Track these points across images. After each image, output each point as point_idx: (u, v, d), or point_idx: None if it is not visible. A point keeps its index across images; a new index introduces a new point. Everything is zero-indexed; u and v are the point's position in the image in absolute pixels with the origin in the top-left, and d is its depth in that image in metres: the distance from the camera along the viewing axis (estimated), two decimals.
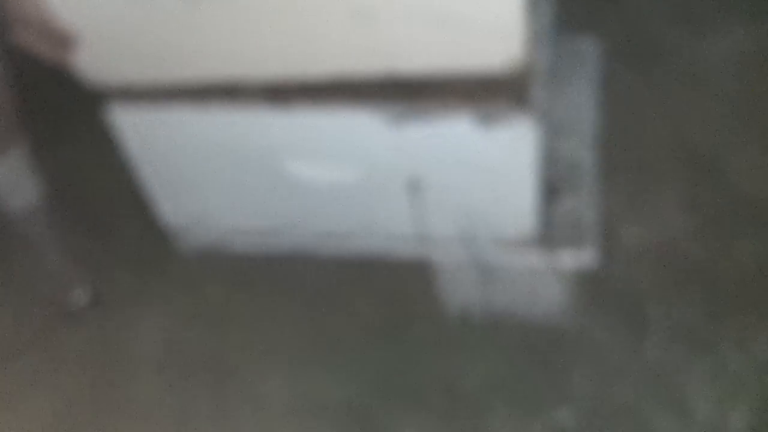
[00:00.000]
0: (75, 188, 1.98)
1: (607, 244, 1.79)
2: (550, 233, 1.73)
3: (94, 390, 1.84)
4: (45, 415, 1.80)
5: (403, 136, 1.57)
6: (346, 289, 1.85)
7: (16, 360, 1.88)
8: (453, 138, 1.55)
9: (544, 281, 1.74)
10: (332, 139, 1.62)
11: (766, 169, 1.96)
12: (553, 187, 1.77)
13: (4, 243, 1.92)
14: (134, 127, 1.65)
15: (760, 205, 1.91)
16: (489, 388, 1.74)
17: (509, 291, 1.77)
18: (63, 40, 1.48)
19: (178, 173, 1.73)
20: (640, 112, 2.04)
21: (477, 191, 1.63)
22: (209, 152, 1.68)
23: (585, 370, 1.74)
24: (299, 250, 1.81)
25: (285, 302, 1.86)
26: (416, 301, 1.81)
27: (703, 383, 1.71)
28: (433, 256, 1.74)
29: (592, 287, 1.80)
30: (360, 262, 1.79)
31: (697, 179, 1.96)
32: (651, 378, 1.73)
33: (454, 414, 1.73)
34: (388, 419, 1.74)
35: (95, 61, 1.54)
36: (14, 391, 1.84)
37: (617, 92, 1.99)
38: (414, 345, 1.81)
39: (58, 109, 2.04)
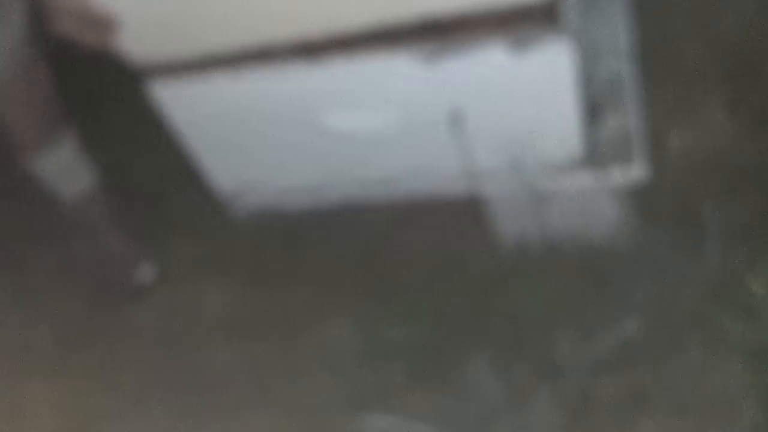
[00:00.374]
0: (126, 168, 2.02)
1: (655, 157, 1.78)
2: (597, 152, 1.73)
3: (170, 361, 1.89)
4: (129, 390, 1.86)
5: (439, 73, 1.57)
6: (400, 233, 1.87)
7: (94, 343, 1.94)
8: (490, 69, 1.56)
9: (597, 201, 1.74)
10: (369, 86, 1.64)
11: None
12: (595, 105, 1.76)
13: (65, 229, 1.97)
14: (177, 101, 1.69)
15: None
16: (552, 313, 1.76)
17: (562, 215, 1.77)
18: (104, 25, 1.52)
19: (223, 141, 1.76)
20: (674, 21, 2.01)
21: (519, 119, 1.63)
22: (251, 117, 1.71)
23: (647, 284, 1.74)
24: (349, 201, 1.83)
25: (341, 254, 1.89)
26: (470, 236, 1.83)
27: (765, 283, 1.71)
28: (482, 190, 1.75)
29: (646, 201, 1.79)
30: (410, 205, 1.81)
31: (739, 81, 1.93)
32: (714, 283, 1.73)
33: (520, 342, 1.75)
34: (456, 355, 1.76)
35: (136, 41, 1.57)
36: (94, 372, 1.90)
37: (649, 4, 1.96)
38: (473, 280, 1.82)
39: (102, 93, 2.08)
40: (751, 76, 1.91)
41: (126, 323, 1.94)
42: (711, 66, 1.96)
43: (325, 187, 1.82)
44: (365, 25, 1.54)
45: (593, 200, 1.75)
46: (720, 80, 1.94)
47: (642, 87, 1.81)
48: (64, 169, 1.82)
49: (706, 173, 1.84)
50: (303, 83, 1.64)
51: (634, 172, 1.72)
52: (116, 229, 1.96)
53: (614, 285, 1.76)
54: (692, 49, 2.00)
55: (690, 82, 1.96)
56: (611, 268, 1.77)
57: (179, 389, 1.85)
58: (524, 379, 1.71)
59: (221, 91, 1.67)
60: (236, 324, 1.90)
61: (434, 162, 1.72)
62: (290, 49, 1.60)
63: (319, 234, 1.91)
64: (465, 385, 1.73)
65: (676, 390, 1.65)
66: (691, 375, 1.66)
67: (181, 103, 1.70)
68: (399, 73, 1.59)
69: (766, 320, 1.67)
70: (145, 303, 1.95)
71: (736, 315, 1.69)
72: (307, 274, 1.90)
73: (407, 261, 1.85)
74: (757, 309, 1.69)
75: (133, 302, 1.96)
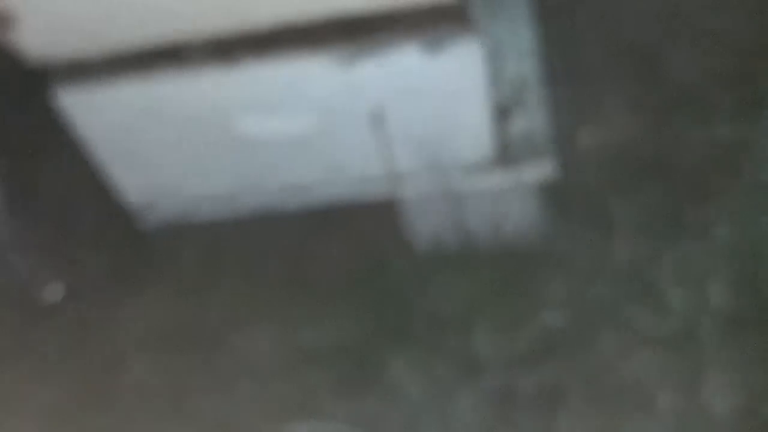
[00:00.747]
0: (28, 177, 1.95)
1: (563, 154, 1.82)
2: (508, 151, 1.76)
3: (85, 379, 1.84)
4: (41, 412, 1.79)
5: (353, 75, 1.58)
6: (318, 238, 1.87)
7: (1, 364, 1.87)
8: (404, 70, 1.57)
9: (510, 199, 1.78)
10: (283, 90, 1.63)
11: (703, 59, 2.00)
12: (504, 105, 1.79)
13: None
14: (82, 105, 1.64)
15: (702, 95, 1.96)
16: (472, 310, 1.78)
17: (477, 214, 1.80)
18: (1, 20, 1.45)
19: (132, 148, 1.72)
20: (577, 21, 2.06)
21: (433, 120, 1.65)
22: (161, 122, 1.68)
23: (561, 278, 1.79)
24: (266, 209, 1.82)
25: (260, 262, 1.88)
26: (388, 238, 1.84)
27: (674, 273, 1.77)
28: (399, 191, 1.76)
29: (556, 198, 1.83)
30: (328, 210, 1.80)
31: (640, 78, 2.00)
32: (624, 276, 1.78)
33: (441, 341, 1.77)
34: (379, 357, 1.77)
35: (35, 37, 1.50)
36: (5, 394, 1.83)
37: (552, 4, 2.01)
38: (393, 282, 1.84)
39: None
40: (652, 75, 1.98)
41: (34, 344, 1.88)
42: (612, 64, 2.02)
43: (241, 195, 1.80)
44: (279, 22, 1.52)
45: (506, 198, 1.78)
46: (621, 78, 2.01)
47: (547, 86, 1.85)
48: None
49: (612, 169, 1.89)
50: (216, 86, 1.62)
51: (544, 169, 1.76)
52: (21, 247, 1.89)
53: (529, 281, 1.80)
54: (594, 48, 2.05)
55: (593, 80, 2.01)
56: (526, 264, 1.81)
57: (94, 409, 1.80)
58: (446, 378, 1.73)
59: (129, 94, 1.63)
60: (152, 338, 1.86)
61: (351, 166, 1.72)
62: (202, 48, 1.57)
63: (236, 242, 1.89)
64: (388, 387, 1.74)
65: (593, 382, 1.70)
66: (606, 366, 1.70)
67: (86, 108, 1.64)
68: (313, 76, 1.59)
69: (674, 310, 1.74)
70: (54, 321, 1.89)
71: (646, 306, 1.75)
72: (225, 284, 1.88)
73: (326, 266, 1.85)
74: (664, 299, 1.75)
75: (41, 322, 1.90)
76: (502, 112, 1.78)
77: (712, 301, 1.72)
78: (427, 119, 1.64)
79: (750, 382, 1.64)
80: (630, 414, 1.65)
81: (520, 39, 1.89)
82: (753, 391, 1.63)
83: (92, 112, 1.65)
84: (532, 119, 1.80)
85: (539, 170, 1.76)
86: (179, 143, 1.70)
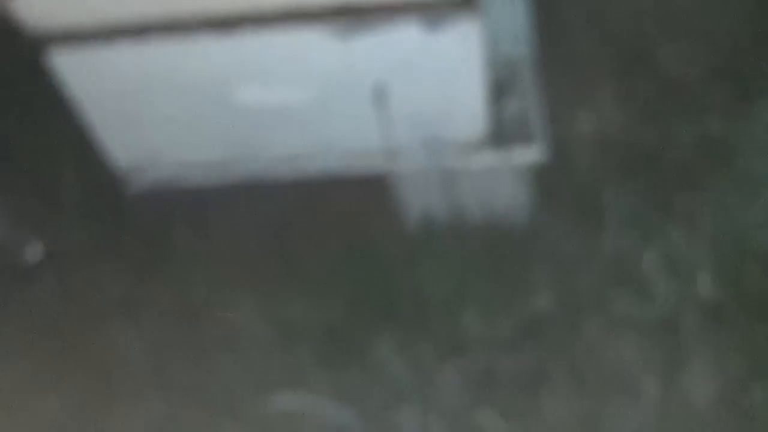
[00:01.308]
0: (15, 141, 1.92)
1: (555, 139, 1.83)
2: (501, 133, 1.76)
3: (64, 346, 1.81)
4: (19, 374, 1.77)
5: (351, 50, 1.57)
6: (307, 211, 1.86)
7: None
8: (403, 47, 1.56)
9: (501, 181, 1.78)
10: (279, 61, 1.61)
11: (691, 52, 2.02)
12: (498, 87, 1.80)
13: None
14: (75, 71, 1.61)
15: (690, 88, 1.98)
16: (458, 291, 1.79)
17: (468, 194, 1.80)
18: None
19: (125, 113, 1.70)
20: (569, 8, 2.07)
21: (429, 98, 1.64)
22: (154, 89, 1.65)
23: (549, 263, 1.80)
24: (257, 178, 1.80)
25: (248, 233, 1.86)
26: (378, 215, 1.83)
27: (660, 261, 1.79)
28: (390, 168, 1.76)
29: (547, 182, 1.84)
30: (318, 183, 1.79)
31: (631, 69, 2.01)
32: (610, 263, 1.80)
33: (427, 321, 1.77)
34: (363, 334, 1.77)
35: (33, 5, 1.48)
36: None
37: None
38: (379, 260, 1.83)
39: None
40: (643, 66, 2.00)
41: (15, 306, 1.85)
42: (606, 56, 2.03)
43: (231, 163, 1.78)
44: (279, 2, 1.51)
45: (497, 180, 1.78)
46: (612, 69, 2.02)
47: (541, 72, 1.86)
48: None
49: (602, 157, 1.91)
50: (212, 55, 1.60)
51: (534, 153, 1.76)
52: (3, 208, 1.86)
53: (517, 264, 1.81)
54: (587, 38, 2.07)
55: (585, 70, 2.03)
56: (514, 248, 1.82)
57: (74, 375, 1.78)
58: (430, 358, 1.74)
59: (124, 61, 1.60)
60: (135, 305, 1.84)
61: (345, 140, 1.71)
62: (200, 21, 1.55)
63: (223, 211, 1.87)
64: (372, 365, 1.74)
65: (577, 366, 1.71)
66: (591, 352, 1.72)
67: (79, 73, 1.61)
68: (311, 48, 1.58)
69: (659, 298, 1.76)
70: (35, 285, 1.86)
71: (631, 293, 1.77)
72: (210, 253, 1.86)
73: (314, 240, 1.84)
74: (650, 287, 1.77)
75: (21, 284, 1.87)
76: (496, 94, 1.79)
77: (696, 291, 1.74)
78: (423, 97, 1.64)
79: (731, 370, 1.66)
80: (612, 398, 1.67)
81: (516, 23, 1.90)
82: (733, 379, 1.65)
83: (86, 77, 1.62)
84: (525, 103, 1.81)
85: (530, 153, 1.76)
86: (172, 110, 1.68)
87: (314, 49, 1.57)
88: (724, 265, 1.76)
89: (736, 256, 1.76)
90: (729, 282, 1.73)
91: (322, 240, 1.84)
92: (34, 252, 1.88)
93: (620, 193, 1.86)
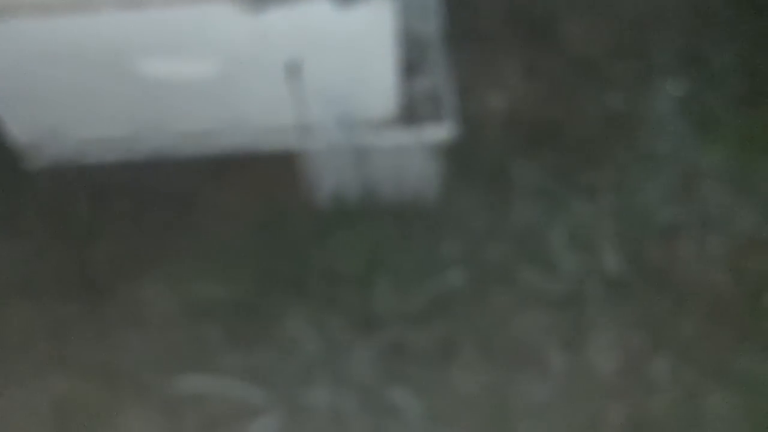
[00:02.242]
0: None
1: (463, 116, 1.84)
2: (410, 109, 1.76)
3: None
4: None
5: (261, 24, 1.54)
6: (216, 188, 1.83)
7: None
8: (314, 22, 1.54)
9: (412, 157, 1.78)
10: (185, 34, 1.56)
11: (596, 30, 2.06)
12: (409, 64, 1.79)
13: None
14: None
15: (595, 64, 2.02)
16: (369, 266, 1.79)
17: (377, 170, 1.80)
18: None
19: (25, 88, 1.62)
20: None
21: (340, 74, 1.63)
22: (56, 62, 1.58)
23: (458, 238, 1.81)
24: (161, 154, 1.75)
25: (154, 209, 1.82)
26: (288, 191, 1.81)
27: (565, 236, 1.83)
28: (300, 145, 1.74)
29: (454, 157, 1.85)
30: (227, 159, 1.76)
31: (537, 45, 2.04)
32: (518, 237, 1.83)
33: (338, 297, 1.77)
34: (273, 311, 1.76)
35: None
36: None
37: None
38: (290, 236, 1.82)
39: None
40: (548, 43, 2.03)
41: None
42: (511, 32, 2.05)
43: (135, 139, 1.73)
44: None
45: (408, 157, 1.78)
46: (518, 45, 2.04)
47: (448, 48, 1.86)
48: None
49: (509, 132, 1.93)
50: (115, 28, 1.54)
51: (445, 130, 1.77)
52: None
53: (427, 239, 1.82)
54: (492, 13, 2.08)
55: (491, 45, 2.05)
56: (424, 222, 1.83)
57: None
58: (341, 334, 1.74)
59: (23, 35, 1.53)
60: (34, 284, 1.78)
61: (254, 115, 1.68)
62: None
63: (127, 188, 1.82)
64: (282, 341, 1.73)
65: (485, 339, 1.74)
66: (499, 325, 1.75)
67: None
68: (219, 21, 1.54)
69: (565, 272, 1.79)
70: None
71: (537, 267, 1.80)
72: (113, 230, 1.81)
73: (222, 216, 1.81)
74: (554, 262, 1.81)
75: None
76: (407, 71, 1.78)
77: (600, 264, 1.79)
78: (335, 73, 1.62)
79: (634, 342, 1.71)
80: (519, 369, 1.70)
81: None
82: (635, 350, 1.71)
83: None
84: (436, 80, 1.81)
85: (441, 131, 1.77)
86: (73, 85, 1.62)
87: (222, 23, 1.53)
88: (627, 239, 1.81)
89: (639, 231, 1.81)
90: (632, 256, 1.78)
91: (231, 216, 1.81)
92: None
93: (527, 168, 1.89)
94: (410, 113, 1.76)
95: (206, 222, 1.81)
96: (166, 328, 1.74)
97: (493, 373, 1.70)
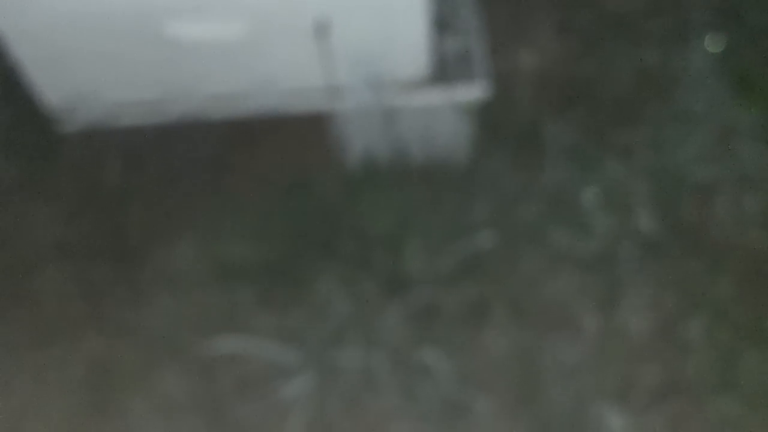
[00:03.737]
0: None
1: (494, 74, 1.82)
2: (442, 69, 1.74)
3: None
4: None
5: None
6: (245, 150, 1.83)
7: None
8: None
9: (442, 117, 1.77)
10: None
11: None
12: (439, 23, 1.77)
13: None
14: (4, 9, 1.54)
15: (628, 22, 1.98)
16: (400, 227, 1.78)
17: (407, 131, 1.78)
18: None
19: (56, 52, 1.63)
20: None
21: (370, 35, 1.61)
22: (86, 26, 1.59)
23: (489, 198, 1.80)
24: (192, 117, 1.75)
25: (184, 172, 1.82)
26: (318, 153, 1.81)
27: (597, 196, 1.80)
28: (330, 106, 1.73)
29: (485, 117, 1.83)
30: (256, 121, 1.75)
31: (569, 2, 2.01)
32: (550, 197, 1.81)
33: (369, 258, 1.76)
34: (304, 273, 1.76)
35: None
36: None
37: None
38: (320, 198, 1.81)
39: None
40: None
41: None
42: None
43: (165, 102, 1.73)
44: None
45: (438, 117, 1.77)
46: (551, 2, 2.01)
47: (480, 7, 1.83)
48: None
49: (541, 91, 1.91)
50: None
51: (477, 90, 1.75)
52: None
53: (457, 201, 1.81)
54: None
55: (524, 2, 2.01)
56: (455, 184, 1.82)
57: (9, 318, 1.73)
58: (372, 295, 1.74)
59: None
60: (69, 247, 1.79)
61: (283, 77, 1.67)
62: None
63: (158, 151, 1.82)
64: (314, 302, 1.73)
65: (517, 301, 1.73)
66: (531, 286, 1.74)
67: (7, 12, 1.55)
68: None
69: (597, 232, 1.78)
70: None
71: (570, 227, 1.78)
72: (145, 193, 1.82)
73: (253, 178, 1.81)
74: (587, 222, 1.79)
75: None
76: (438, 30, 1.76)
77: (634, 224, 1.77)
78: (365, 33, 1.61)
79: (667, 303, 1.70)
80: (551, 331, 1.69)
81: None
82: (669, 311, 1.69)
83: (15, 15, 1.55)
84: (467, 39, 1.79)
85: (472, 90, 1.75)
86: (104, 48, 1.62)
87: None
88: (662, 199, 1.78)
89: (673, 190, 1.79)
90: (666, 216, 1.76)
91: (261, 178, 1.81)
92: None
93: (559, 127, 1.87)
94: (441, 73, 1.74)
95: (237, 185, 1.81)
96: (199, 290, 1.75)
97: (524, 335, 1.69)
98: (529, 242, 1.77)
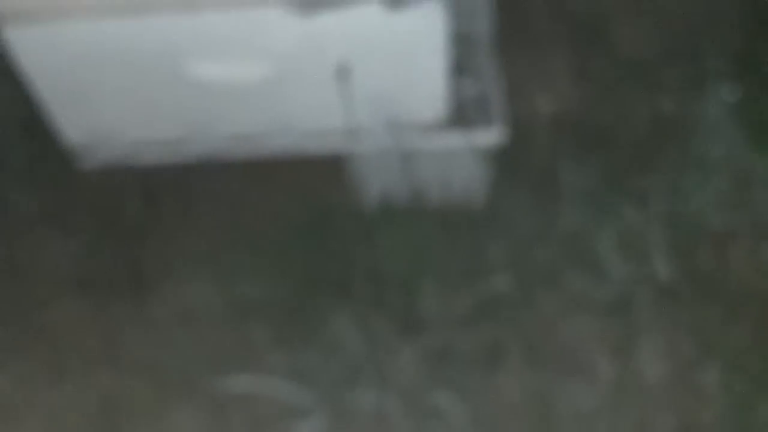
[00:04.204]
0: None
1: (511, 119, 1.83)
2: (459, 112, 1.76)
3: (12, 318, 1.77)
4: None
5: (311, 27, 1.54)
6: (263, 190, 1.84)
7: None
8: (365, 25, 1.54)
9: (458, 160, 1.78)
10: (236, 37, 1.57)
11: (648, 32, 2.03)
12: (458, 67, 1.79)
13: None
14: (26, 45, 1.56)
15: (647, 68, 1.99)
16: (415, 269, 1.79)
17: (425, 173, 1.79)
18: None
19: (77, 88, 1.65)
20: None
21: (390, 78, 1.63)
22: (108, 65, 1.60)
23: (505, 242, 1.80)
24: (211, 156, 1.77)
25: (202, 210, 1.83)
26: (335, 193, 1.82)
27: (614, 241, 1.81)
28: (348, 146, 1.74)
29: (501, 160, 1.84)
30: (274, 161, 1.77)
31: (588, 49, 2.02)
32: (566, 242, 1.81)
33: (384, 299, 1.77)
34: (319, 312, 1.76)
35: None
36: None
37: None
38: (336, 237, 1.82)
39: None
40: (599, 46, 2.00)
41: None
42: (562, 35, 2.03)
43: (185, 141, 1.75)
44: None
45: (456, 160, 1.78)
46: (571, 49, 2.02)
47: (498, 52, 1.85)
48: None
49: (558, 136, 1.92)
50: (167, 31, 1.56)
51: (495, 134, 1.76)
52: None
53: (474, 243, 1.81)
54: (543, 16, 2.06)
55: (542, 49, 2.03)
56: (471, 227, 1.82)
57: (24, 351, 1.74)
58: (386, 334, 1.74)
59: (77, 37, 1.55)
60: (84, 281, 1.80)
61: (302, 119, 1.69)
62: None
63: (177, 190, 1.83)
64: (328, 342, 1.73)
65: (532, 345, 1.72)
66: (546, 331, 1.73)
67: (32, 49, 1.57)
68: (270, 24, 1.55)
69: (614, 278, 1.77)
70: None
71: (586, 272, 1.78)
72: (163, 232, 1.83)
73: (270, 218, 1.82)
74: (603, 267, 1.79)
75: None
76: (456, 73, 1.78)
77: (650, 270, 1.76)
78: (384, 76, 1.62)
79: (684, 350, 1.69)
80: (566, 376, 1.69)
81: (474, 1, 1.88)
82: (687, 359, 1.68)
83: (39, 53, 1.57)
84: (485, 82, 1.80)
85: (490, 135, 1.76)
86: (126, 87, 1.64)
87: (273, 26, 1.54)
88: (678, 245, 1.78)
89: (690, 237, 1.79)
90: (682, 262, 1.76)
91: (278, 217, 1.82)
92: None
93: (576, 172, 1.87)
94: (459, 116, 1.76)
95: (254, 223, 1.82)
96: (213, 327, 1.76)
97: (539, 380, 1.69)
98: (544, 286, 1.77)
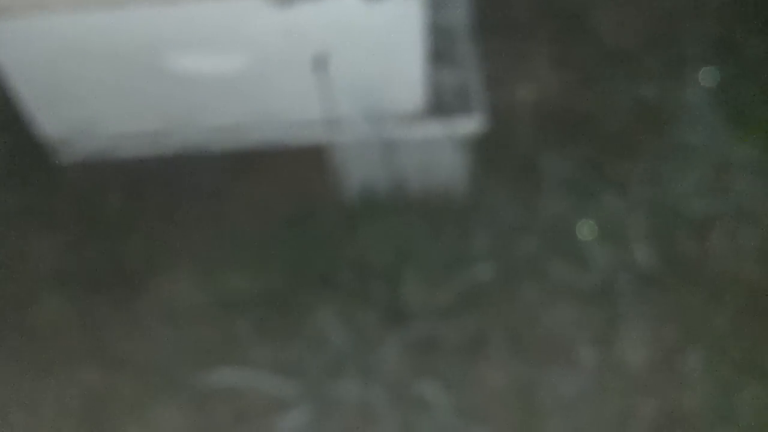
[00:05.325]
0: None
1: (492, 107, 1.83)
2: (440, 102, 1.75)
3: None
4: None
5: (289, 18, 1.54)
6: (245, 182, 1.83)
7: None
8: (343, 15, 1.53)
9: (440, 150, 1.78)
10: (215, 28, 1.57)
11: (629, 22, 2.04)
12: (438, 57, 1.78)
13: None
14: (6, 41, 1.55)
15: (627, 57, 1.99)
16: (398, 259, 1.78)
17: (406, 163, 1.79)
18: None
19: (53, 82, 1.64)
20: None
21: (369, 67, 1.62)
22: (87, 58, 1.60)
23: (488, 229, 1.80)
24: (192, 148, 1.76)
25: (183, 203, 1.83)
26: (317, 185, 1.81)
27: (594, 229, 1.81)
28: (329, 137, 1.74)
29: (483, 149, 1.84)
30: (256, 152, 1.76)
31: (568, 36, 2.02)
32: (547, 230, 1.82)
33: (368, 289, 1.76)
34: (303, 305, 1.76)
35: None
36: None
37: None
38: (319, 229, 1.82)
39: None
40: (579, 34, 2.01)
41: None
42: (542, 23, 2.03)
43: (166, 133, 1.74)
44: None
45: (437, 149, 1.78)
46: (549, 36, 2.02)
47: (477, 39, 1.85)
48: None
49: (539, 124, 1.92)
50: (145, 23, 1.55)
51: (475, 123, 1.76)
52: None
53: (456, 233, 1.81)
54: (524, 3, 2.06)
55: (522, 37, 2.03)
56: (453, 217, 1.82)
57: (6, 345, 1.73)
58: (371, 327, 1.74)
59: (55, 31, 1.55)
60: (67, 277, 1.79)
61: (283, 109, 1.68)
62: None
63: (158, 182, 1.83)
64: (312, 334, 1.73)
65: (515, 333, 1.73)
66: (529, 319, 1.74)
67: (9, 44, 1.56)
68: (248, 16, 1.54)
69: (595, 265, 1.78)
70: None
71: (568, 260, 1.79)
72: (145, 225, 1.82)
73: (252, 211, 1.82)
74: (585, 255, 1.79)
75: None
76: (435, 63, 1.77)
77: (631, 257, 1.77)
78: (363, 66, 1.62)
79: (665, 336, 1.70)
80: (549, 363, 1.69)
81: None
82: (667, 344, 1.69)
83: (16, 47, 1.57)
84: (464, 71, 1.80)
85: (470, 123, 1.76)
86: (105, 80, 1.63)
87: (251, 18, 1.54)
88: (659, 232, 1.79)
89: (671, 223, 1.79)
90: (664, 249, 1.76)
91: (260, 209, 1.82)
92: None
93: (557, 160, 1.88)
94: (439, 106, 1.75)
95: (236, 216, 1.82)
96: (197, 321, 1.75)
97: (522, 368, 1.69)
98: (527, 275, 1.78)
